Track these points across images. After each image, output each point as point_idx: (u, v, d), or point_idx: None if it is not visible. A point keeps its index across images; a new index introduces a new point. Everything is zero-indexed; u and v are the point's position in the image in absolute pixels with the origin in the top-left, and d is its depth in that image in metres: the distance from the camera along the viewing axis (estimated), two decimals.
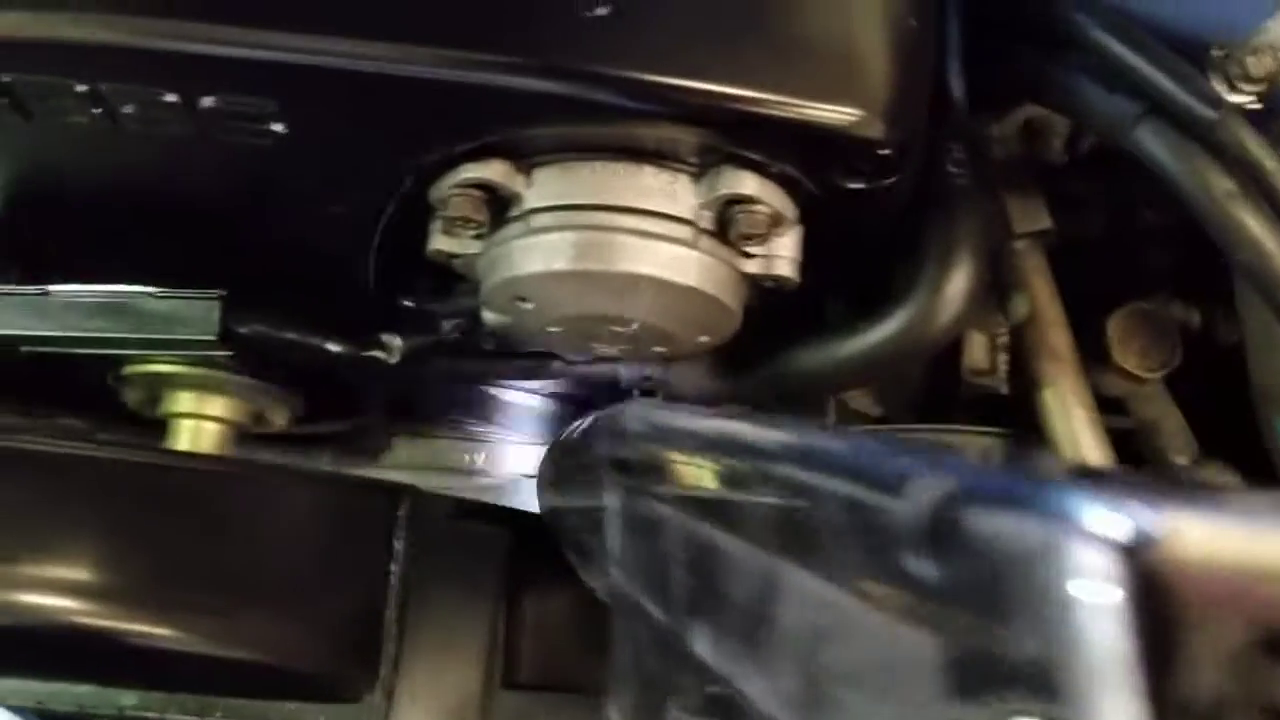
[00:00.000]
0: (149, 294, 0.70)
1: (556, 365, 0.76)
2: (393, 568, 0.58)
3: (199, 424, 0.84)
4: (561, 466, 0.55)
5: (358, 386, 0.87)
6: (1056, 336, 0.68)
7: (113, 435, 0.91)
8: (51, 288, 0.70)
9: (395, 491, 0.61)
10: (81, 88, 0.55)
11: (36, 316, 0.71)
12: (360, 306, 0.73)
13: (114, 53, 0.53)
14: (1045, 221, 0.69)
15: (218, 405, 0.85)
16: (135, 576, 0.58)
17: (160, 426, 0.85)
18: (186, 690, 0.59)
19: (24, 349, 0.73)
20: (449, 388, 0.92)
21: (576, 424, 0.57)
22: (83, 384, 0.86)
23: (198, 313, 0.70)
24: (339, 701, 0.59)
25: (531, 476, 1.01)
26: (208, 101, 0.55)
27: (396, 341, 0.74)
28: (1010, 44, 0.66)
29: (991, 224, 0.65)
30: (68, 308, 0.71)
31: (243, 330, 0.71)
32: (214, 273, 0.70)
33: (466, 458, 0.98)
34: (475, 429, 0.98)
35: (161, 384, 0.85)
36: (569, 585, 0.62)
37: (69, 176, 0.65)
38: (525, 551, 0.64)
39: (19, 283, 0.72)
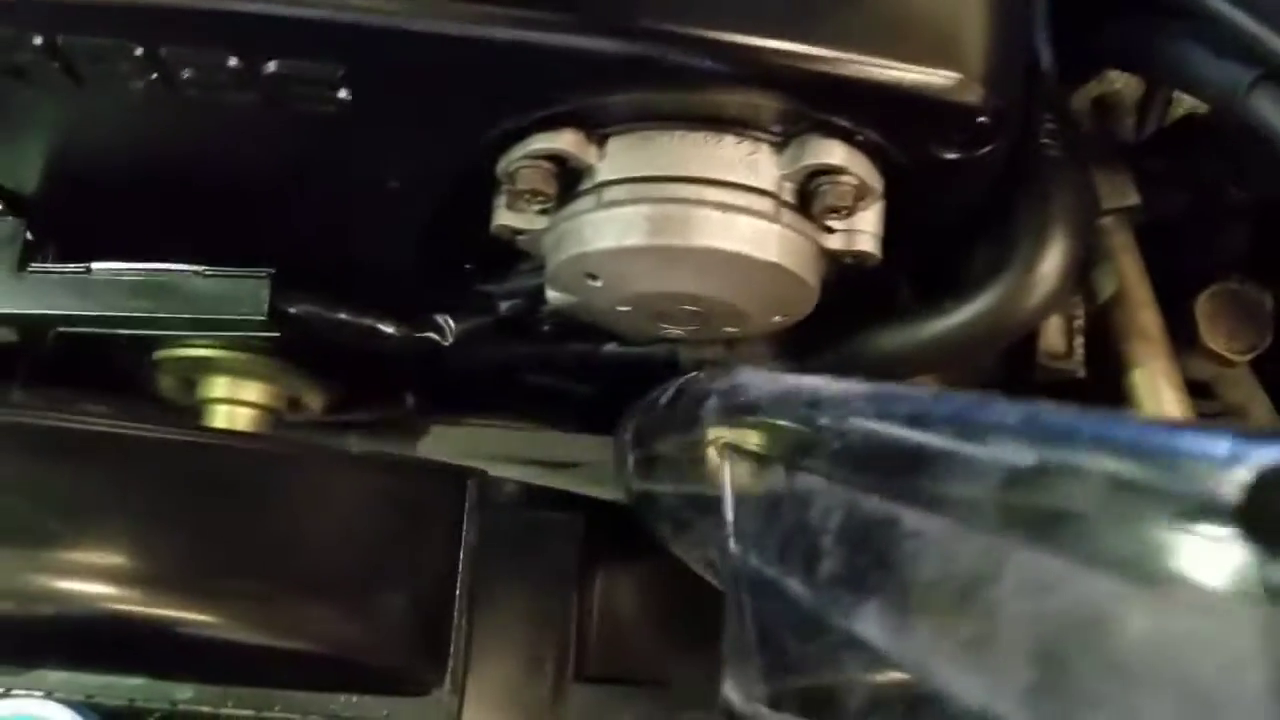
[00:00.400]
0: (195, 272, 0.67)
1: (611, 350, 0.73)
2: (461, 555, 0.55)
3: (234, 409, 0.82)
4: (652, 438, 0.52)
5: (397, 372, 0.84)
6: (1146, 316, 0.65)
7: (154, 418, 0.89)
8: (94, 265, 0.67)
9: (463, 475, 0.58)
10: (139, 50, 0.52)
11: (77, 296, 0.68)
12: (413, 286, 0.71)
13: (176, 13, 0.51)
14: (1133, 197, 0.66)
15: (254, 390, 0.82)
16: (189, 563, 0.56)
17: (193, 413, 0.83)
18: (243, 684, 0.57)
19: (61, 330, 0.71)
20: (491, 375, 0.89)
21: (658, 393, 0.54)
22: (113, 369, 0.84)
23: (246, 292, 0.67)
24: (405, 695, 0.56)
25: (571, 464, 0.99)
26: (272, 66, 0.52)
27: (450, 323, 0.71)
28: (1095, 12, 0.63)
29: (1085, 199, 0.62)
30: (110, 286, 0.68)
31: (292, 310, 0.69)
32: (262, 251, 0.67)
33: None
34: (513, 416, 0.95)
35: (196, 368, 0.82)
36: (641, 573, 0.59)
37: (116, 148, 0.62)
38: (596, 539, 0.61)
39: (57, 261, 0.69)
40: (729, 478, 0.38)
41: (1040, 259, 0.59)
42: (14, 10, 0.51)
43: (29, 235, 0.69)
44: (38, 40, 0.52)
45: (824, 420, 0.31)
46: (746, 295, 0.59)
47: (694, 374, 0.54)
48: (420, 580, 0.57)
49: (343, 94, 0.54)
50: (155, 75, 0.53)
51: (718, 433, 0.40)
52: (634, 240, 0.56)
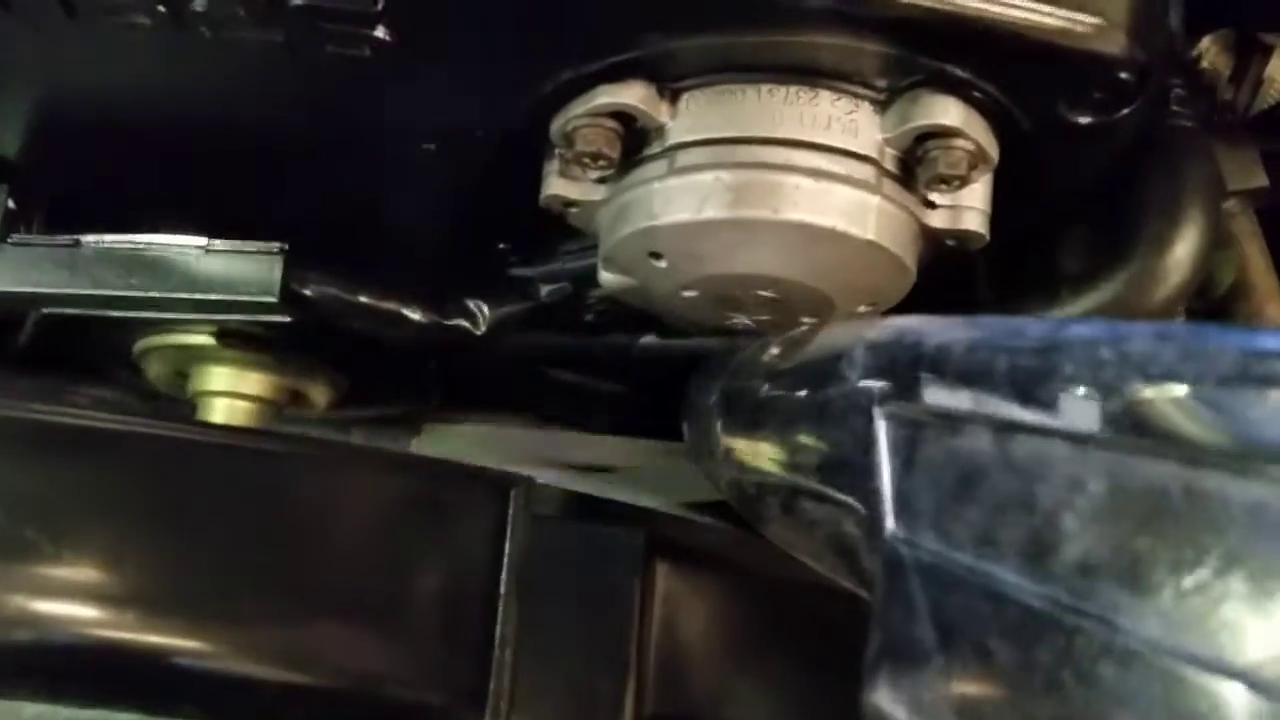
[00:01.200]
0: (197, 246, 0.59)
1: (657, 343, 0.65)
2: (503, 576, 0.47)
3: (233, 403, 0.75)
4: (757, 405, 0.43)
5: (414, 364, 0.77)
6: (1274, 308, 0.57)
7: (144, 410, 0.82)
8: (83, 237, 0.60)
9: (506, 482, 0.50)
10: None
11: (64, 271, 0.60)
12: (443, 267, 0.63)
13: None
14: (1261, 178, 0.58)
15: (255, 382, 0.75)
16: (188, 581, 0.48)
17: (185, 407, 0.75)
18: None
19: (44, 310, 0.63)
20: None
21: (753, 351, 0.46)
22: (98, 356, 0.76)
23: (255, 270, 0.59)
24: None
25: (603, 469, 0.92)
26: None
27: (484, 310, 0.63)
28: None
29: (1218, 176, 0.54)
30: (101, 260, 0.60)
31: (307, 292, 0.61)
32: (274, 222, 0.60)
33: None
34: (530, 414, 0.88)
35: (191, 358, 0.75)
36: (707, 598, 0.52)
37: (112, 98, 0.54)
38: (656, 557, 0.54)
39: (42, 231, 0.61)
40: (885, 442, 0.30)
41: (1173, 243, 0.52)
42: None
43: (10, 203, 0.61)
44: None
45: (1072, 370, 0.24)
46: (836, 279, 0.52)
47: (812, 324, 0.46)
48: (454, 604, 0.49)
49: (379, 33, 0.46)
50: (162, 8, 0.45)
51: (871, 385, 0.32)
52: (712, 213, 0.48)
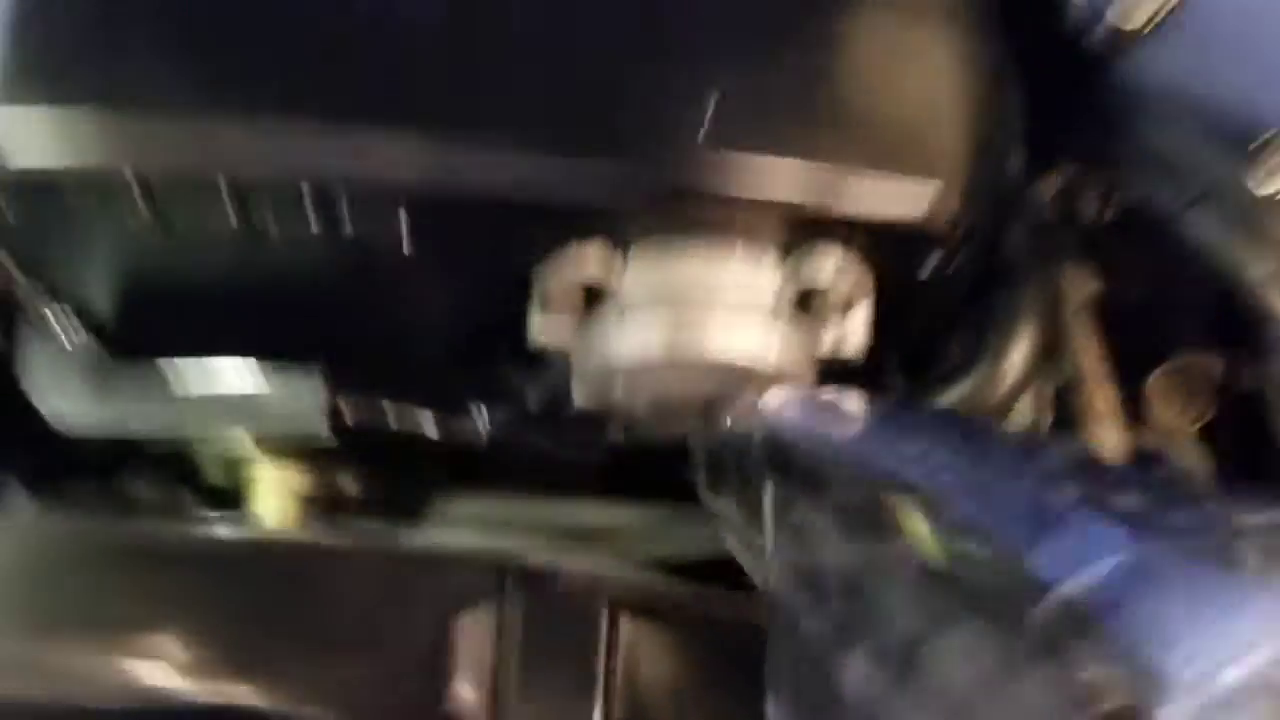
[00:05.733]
0: (268, 397, 0.75)
1: (625, 434, 0.81)
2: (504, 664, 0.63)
3: (277, 496, 0.91)
4: (718, 461, 0.59)
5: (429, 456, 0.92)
6: (1102, 396, 0.73)
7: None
8: (187, 390, 0.75)
9: (502, 566, 0.66)
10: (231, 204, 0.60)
11: (166, 413, 0.76)
12: (452, 382, 0.79)
13: (267, 168, 0.59)
14: (1093, 285, 0.74)
15: (295, 480, 0.91)
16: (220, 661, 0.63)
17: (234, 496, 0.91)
18: None
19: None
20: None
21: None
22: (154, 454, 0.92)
23: (309, 411, 0.75)
24: None
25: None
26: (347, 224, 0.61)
27: (486, 416, 0.79)
28: (1064, 108, 0.70)
29: (1051, 294, 0.70)
30: (186, 404, 0.76)
31: (347, 418, 0.77)
32: (314, 352, 0.75)
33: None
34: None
35: (242, 463, 0.91)
36: (665, 646, 0.67)
37: (190, 274, 0.70)
38: (621, 614, 0.68)
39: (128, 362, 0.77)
40: (768, 508, 0.45)
41: (1006, 353, 0.68)
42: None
43: (104, 351, 0.76)
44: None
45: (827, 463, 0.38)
46: (749, 394, 0.67)
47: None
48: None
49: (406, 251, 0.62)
50: (240, 221, 0.61)
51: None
52: (652, 354, 0.64)
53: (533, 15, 0.60)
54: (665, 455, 0.79)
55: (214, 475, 0.95)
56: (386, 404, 0.77)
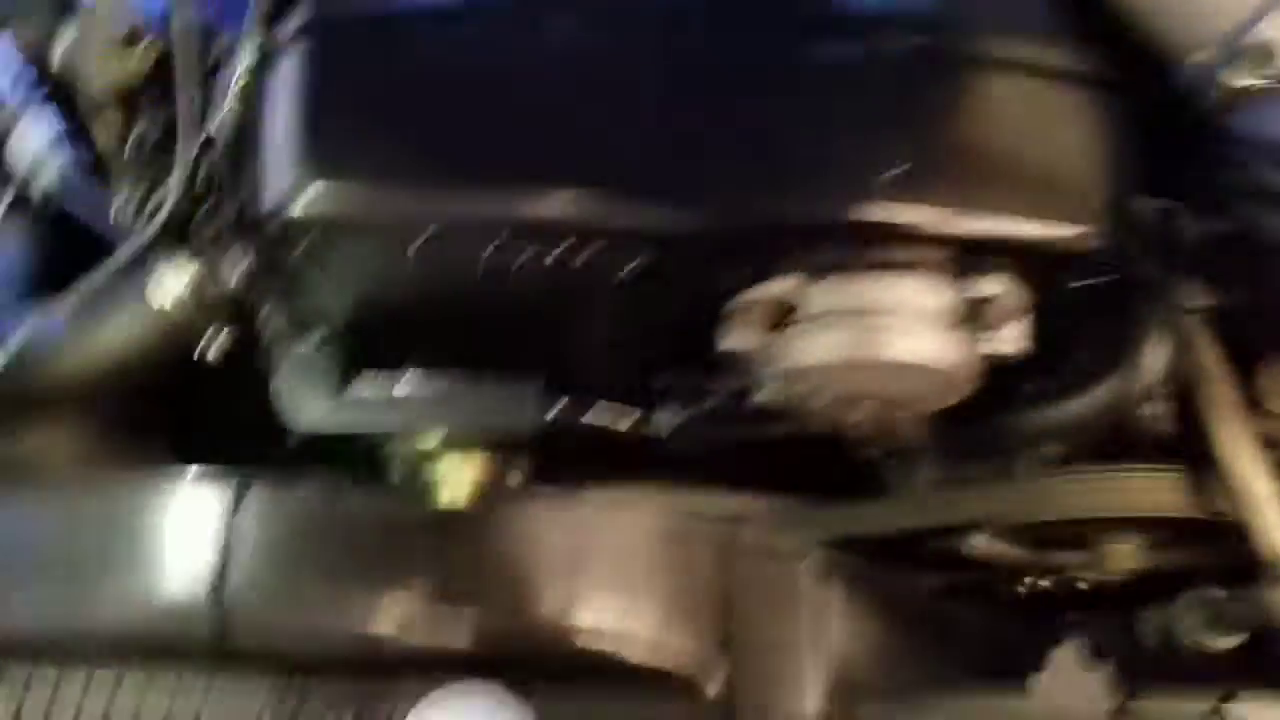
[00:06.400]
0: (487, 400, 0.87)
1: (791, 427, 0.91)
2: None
3: (456, 485, 1.01)
4: None
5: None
6: (1222, 391, 0.83)
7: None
8: (415, 396, 0.87)
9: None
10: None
11: (386, 413, 0.87)
12: (639, 388, 0.90)
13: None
14: (1205, 297, 0.84)
15: (475, 470, 1.02)
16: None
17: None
18: None
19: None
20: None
21: None
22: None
23: (522, 408, 0.87)
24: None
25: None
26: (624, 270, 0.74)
27: (669, 416, 0.90)
28: (1178, 151, 0.80)
29: (1173, 304, 0.80)
30: (412, 404, 0.87)
31: (549, 418, 0.88)
32: (525, 365, 0.86)
33: None
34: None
35: (431, 455, 1.02)
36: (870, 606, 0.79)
37: (426, 302, 0.81)
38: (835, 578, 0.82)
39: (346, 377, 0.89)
40: None
41: (1142, 359, 0.79)
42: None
43: (343, 363, 0.88)
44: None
45: None
46: (918, 391, 0.78)
47: None
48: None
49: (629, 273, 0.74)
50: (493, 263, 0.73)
51: None
52: (840, 355, 0.75)
53: (752, 96, 0.74)
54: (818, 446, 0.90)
55: (399, 467, 1.05)
56: (587, 404, 0.88)
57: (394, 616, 0.74)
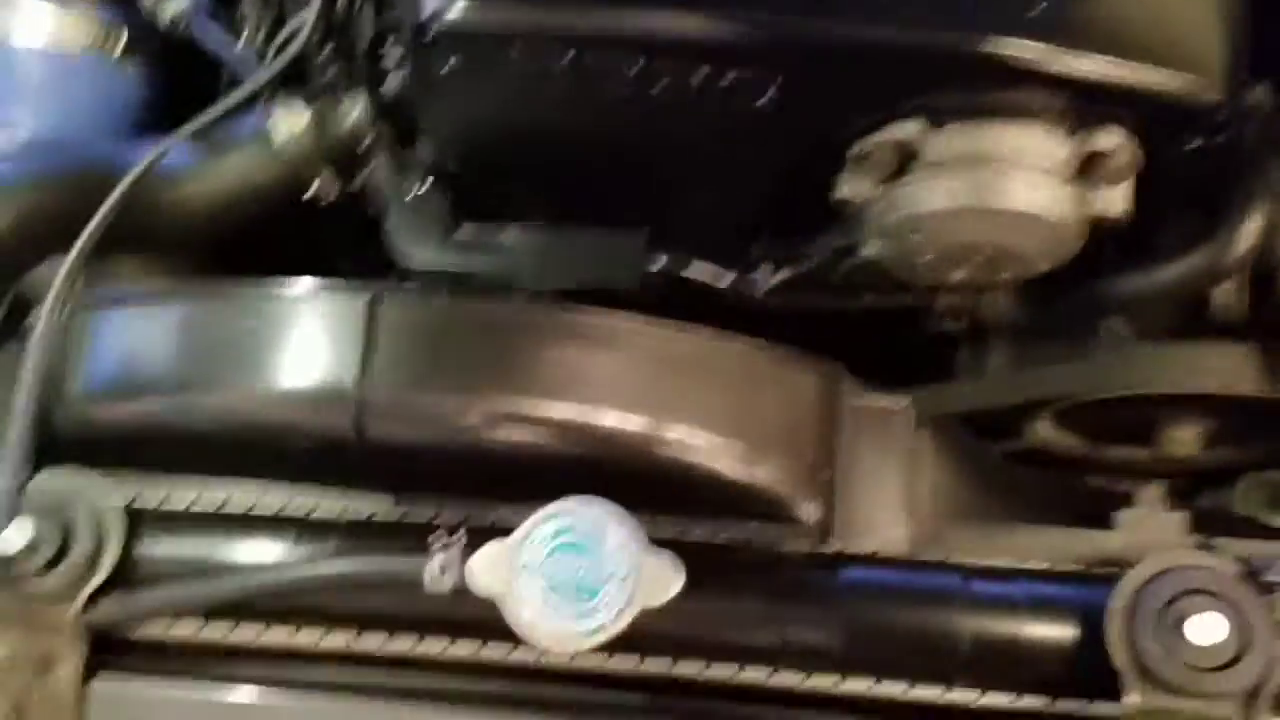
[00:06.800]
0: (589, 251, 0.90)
1: (875, 300, 0.94)
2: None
3: None
4: None
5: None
6: None
7: None
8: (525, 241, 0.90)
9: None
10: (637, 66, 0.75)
11: (491, 256, 0.90)
12: (744, 243, 0.92)
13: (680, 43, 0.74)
14: None
15: None
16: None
17: None
18: None
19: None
20: None
21: None
22: None
23: (625, 265, 0.89)
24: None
25: None
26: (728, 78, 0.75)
27: (766, 274, 0.92)
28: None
29: (1275, 180, 0.83)
30: (516, 249, 0.90)
31: (654, 271, 0.90)
32: (631, 214, 0.89)
33: None
34: None
35: None
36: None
37: (552, 134, 0.83)
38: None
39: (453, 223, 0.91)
40: None
41: (1241, 226, 0.81)
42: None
43: (451, 207, 0.90)
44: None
45: None
46: (1030, 245, 0.80)
47: None
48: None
49: (766, 100, 0.76)
50: (635, 85, 0.75)
51: None
52: (958, 203, 0.78)
53: None
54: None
55: None
56: (690, 260, 0.90)
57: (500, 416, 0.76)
